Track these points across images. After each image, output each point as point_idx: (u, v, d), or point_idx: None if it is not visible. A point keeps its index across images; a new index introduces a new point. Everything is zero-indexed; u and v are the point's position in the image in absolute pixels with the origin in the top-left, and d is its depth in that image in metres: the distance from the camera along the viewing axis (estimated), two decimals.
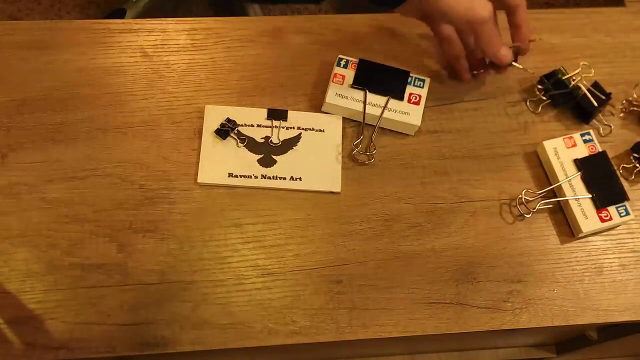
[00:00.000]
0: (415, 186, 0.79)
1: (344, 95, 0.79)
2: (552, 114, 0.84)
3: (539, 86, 0.84)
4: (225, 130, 0.78)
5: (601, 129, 0.84)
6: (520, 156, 0.81)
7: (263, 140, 0.78)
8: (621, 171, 0.81)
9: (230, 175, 0.76)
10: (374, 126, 0.79)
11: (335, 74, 0.80)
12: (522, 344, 1.42)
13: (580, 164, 0.78)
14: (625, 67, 0.88)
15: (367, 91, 0.79)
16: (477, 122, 0.83)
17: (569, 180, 0.78)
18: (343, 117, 0.81)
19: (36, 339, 0.68)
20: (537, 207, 0.78)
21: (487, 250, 0.76)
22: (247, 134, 0.78)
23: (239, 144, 0.78)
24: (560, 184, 0.78)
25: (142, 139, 0.78)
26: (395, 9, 0.76)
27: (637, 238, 0.78)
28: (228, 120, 0.78)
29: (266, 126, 0.79)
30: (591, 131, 0.81)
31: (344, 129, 0.81)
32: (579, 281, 0.76)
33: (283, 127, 0.79)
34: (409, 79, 0.81)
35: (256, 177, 0.77)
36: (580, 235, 0.77)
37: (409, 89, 0.80)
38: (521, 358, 1.42)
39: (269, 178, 0.77)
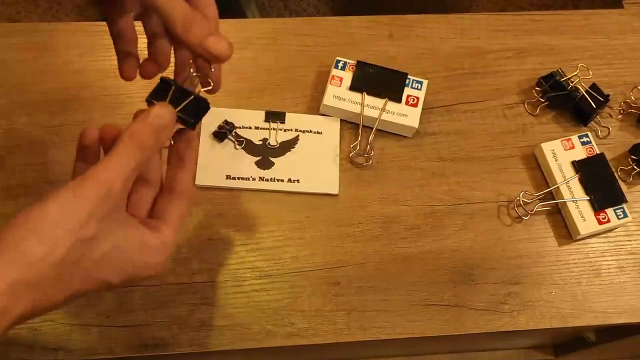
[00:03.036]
0: (413, 188, 0.79)
1: (341, 98, 0.79)
2: (550, 116, 0.84)
3: (537, 88, 0.84)
4: (223, 132, 0.78)
5: (599, 131, 0.84)
6: (518, 158, 0.82)
7: (261, 143, 0.78)
8: (619, 173, 0.81)
9: (228, 177, 0.76)
10: (372, 128, 0.79)
11: (333, 76, 0.80)
12: (520, 346, 1.42)
13: (578, 166, 0.78)
14: (623, 69, 0.88)
15: (365, 93, 0.79)
16: (475, 124, 0.83)
17: (567, 182, 0.78)
18: (341, 119, 0.81)
19: (35, 341, 0.68)
20: (535, 209, 0.78)
21: (485, 252, 0.76)
22: (244, 136, 0.78)
23: (237, 146, 0.78)
24: (558, 186, 0.78)
25: None
26: None
27: (635, 240, 0.79)
28: (226, 122, 0.78)
29: (264, 128, 0.79)
30: (589, 133, 0.81)
31: (341, 131, 0.81)
32: (577, 283, 0.76)
33: (281, 129, 0.79)
34: (407, 81, 0.81)
35: (254, 179, 0.77)
36: (578, 237, 0.77)
37: (407, 91, 0.80)
38: None
39: (267, 180, 0.77)
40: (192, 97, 0.51)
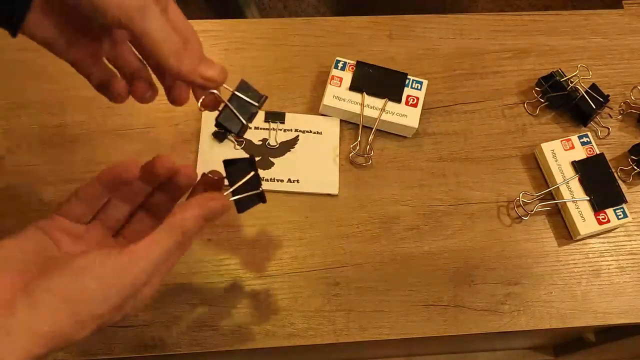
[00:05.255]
0: (412, 188, 0.79)
1: (341, 98, 0.79)
2: (549, 116, 0.84)
3: (537, 88, 0.84)
4: (223, 132, 0.78)
5: (599, 131, 0.84)
6: (518, 158, 0.82)
7: (260, 143, 0.78)
8: (619, 173, 0.81)
9: None
10: (372, 128, 0.79)
11: (333, 76, 0.80)
12: (519, 346, 1.42)
13: (578, 166, 0.78)
14: (622, 69, 0.88)
15: (364, 93, 0.79)
16: (475, 125, 0.83)
17: (567, 183, 0.78)
18: (340, 120, 0.81)
19: None
20: (534, 210, 0.78)
21: (485, 253, 0.76)
22: (244, 137, 0.78)
23: (237, 146, 0.78)
24: (558, 186, 0.78)
25: (139, 142, 0.78)
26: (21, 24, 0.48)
27: (635, 240, 0.78)
28: None
29: (264, 128, 0.79)
30: (589, 133, 0.81)
31: (341, 131, 0.81)
32: (577, 283, 0.76)
33: (280, 130, 0.79)
34: (407, 81, 0.81)
35: None
36: (578, 237, 0.77)
37: (407, 91, 0.80)
38: None
39: (267, 180, 0.77)
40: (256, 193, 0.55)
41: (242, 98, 0.54)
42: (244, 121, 0.54)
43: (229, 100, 0.54)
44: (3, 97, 0.79)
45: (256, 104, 0.54)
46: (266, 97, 0.55)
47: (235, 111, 0.54)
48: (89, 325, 0.43)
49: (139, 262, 0.45)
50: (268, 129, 0.79)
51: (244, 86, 0.55)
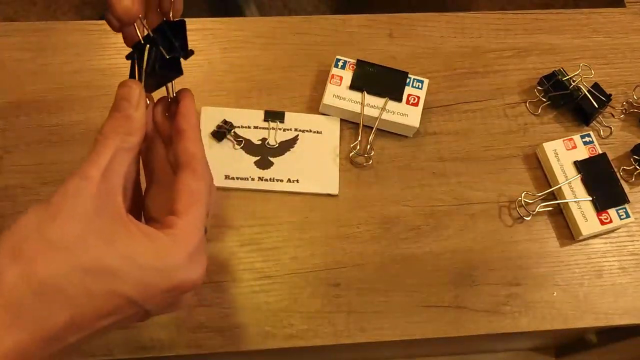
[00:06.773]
0: (413, 188, 0.78)
1: (341, 97, 0.79)
2: (551, 115, 0.84)
3: (539, 87, 0.84)
4: (222, 132, 0.77)
5: (601, 130, 0.83)
6: (520, 158, 0.81)
7: (260, 142, 0.78)
8: (621, 173, 0.80)
9: (226, 177, 0.76)
10: (372, 128, 0.79)
11: (333, 75, 0.80)
12: (521, 347, 1.42)
13: (580, 166, 0.78)
14: (625, 68, 0.87)
15: (365, 92, 0.79)
16: (476, 124, 0.82)
17: (569, 183, 0.77)
18: (341, 119, 0.80)
19: None
20: (536, 210, 0.77)
21: (486, 253, 0.76)
22: (243, 136, 0.78)
23: (236, 145, 0.77)
24: (560, 186, 0.77)
25: None
26: None
27: (637, 241, 0.78)
28: (224, 121, 0.78)
29: (263, 128, 0.79)
30: (591, 133, 0.80)
31: (341, 130, 0.80)
32: (579, 284, 0.75)
33: (280, 129, 0.79)
34: (408, 80, 0.80)
35: (253, 179, 0.76)
36: (580, 238, 0.76)
37: (408, 90, 0.80)
38: None
39: (266, 180, 0.76)
40: (163, 56, 0.47)
41: (159, 45, 0.46)
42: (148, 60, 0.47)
43: (146, 37, 0.46)
44: (1, 96, 0.78)
45: (166, 56, 0.46)
46: (191, 53, 0.47)
47: (147, 48, 0.46)
48: (38, 252, 0.38)
49: (75, 176, 0.42)
50: (267, 129, 0.79)
51: (171, 29, 0.47)
